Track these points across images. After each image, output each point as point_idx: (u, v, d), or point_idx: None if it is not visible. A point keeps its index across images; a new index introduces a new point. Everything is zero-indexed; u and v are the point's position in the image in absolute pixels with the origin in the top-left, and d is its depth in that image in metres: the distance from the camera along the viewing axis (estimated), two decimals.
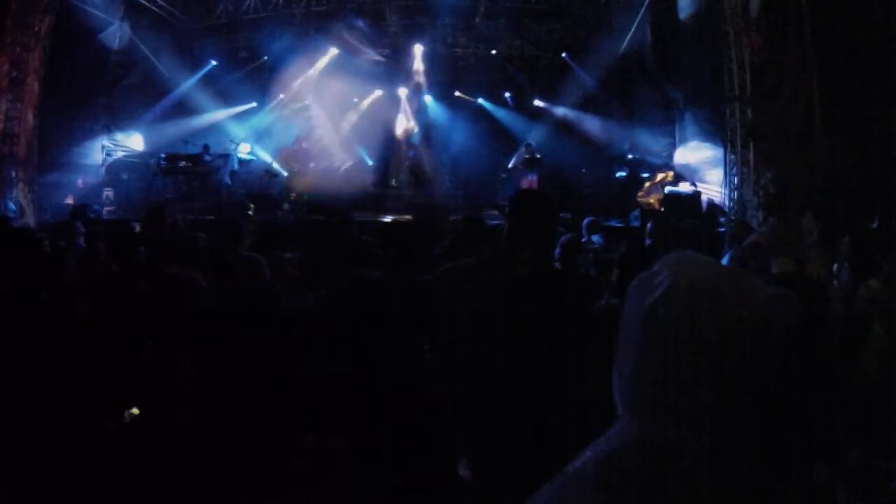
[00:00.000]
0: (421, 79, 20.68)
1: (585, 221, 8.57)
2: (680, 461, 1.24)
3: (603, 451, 1.34)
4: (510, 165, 18.58)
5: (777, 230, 5.07)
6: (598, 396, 3.13)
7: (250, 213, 13.42)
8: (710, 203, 14.01)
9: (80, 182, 16.35)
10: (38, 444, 2.77)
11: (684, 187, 14.51)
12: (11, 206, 12.92)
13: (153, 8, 17.89)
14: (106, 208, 16.42)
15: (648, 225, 5.18)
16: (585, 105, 18.69)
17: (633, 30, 17.07)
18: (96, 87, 17.51)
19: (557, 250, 6.15)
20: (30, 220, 13.10)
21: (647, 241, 5.33)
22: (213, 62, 19.43)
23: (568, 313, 3.26)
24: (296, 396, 2.39)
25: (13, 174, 13.16)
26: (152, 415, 2.63)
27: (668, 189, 14.52)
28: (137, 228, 8.88)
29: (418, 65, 20.49)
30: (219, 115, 19.75)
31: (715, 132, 14.46)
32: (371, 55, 20.61)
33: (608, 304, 4.23)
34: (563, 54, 19.41)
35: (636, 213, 12.47)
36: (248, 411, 2.14)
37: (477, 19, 18.91)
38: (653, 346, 1.31)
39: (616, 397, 1.40)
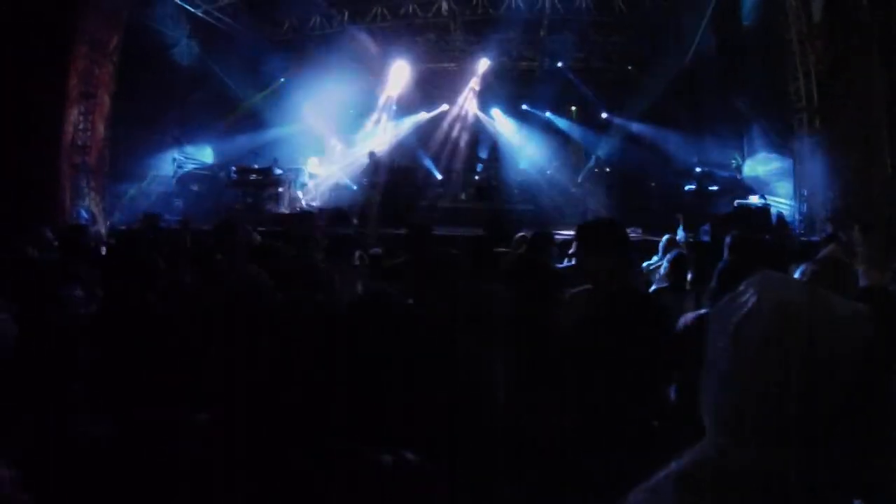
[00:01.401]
0: (488, 92, 21.03)
1: (663, 241, 8.62)
2: (754, 479, 1.28)
3: (684, 465, 1.39)
4: (579, 179, 18.64)
5: (864, 242, 5.04)
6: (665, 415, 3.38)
7: (319, 223, 13.80)
8: (780, 216, 13.91)
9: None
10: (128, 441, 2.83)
11: (753, 200, 14.47)
12: (84, 213, 13.59)
13: (220, 26, 18.68)
14: (176, 218, 17.07)
15: (727, 240, 5.14)
16: (653, 117, 18.64)
17: (697, 40, 17.11)
18: (168, 101, 18.29)
19: (665, 265, 6.38)
20: (101, 227, 13.76)
21: (725, 256, 5.12)
22: (282, 79, 20.03)
23: (638, 334, 3.41)
24: (367, 412, 2.30)
25: (85, 183, 13.86)
26: (220, 419, 2.70)
27: (737, 202, 14.48)
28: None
29: (485, 78, 20.81)
30: (288, 129, 20.28)
31: (783, 143, 14.39)
32: (437, 69, 21.15)
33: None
34: (629, 66, 19.60)
35: (706, 227, 12.43)
36: (322, 425, 2.08)
37: (542, 33, 19.08)
38: (737, 364, 1.33)
39: (702, 413, 1.42)
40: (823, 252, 5.66)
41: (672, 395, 3.53)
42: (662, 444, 3.11)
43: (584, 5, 17.76)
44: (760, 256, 4.85)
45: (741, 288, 1.40)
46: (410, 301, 4.29)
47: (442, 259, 6.19)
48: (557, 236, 10.02)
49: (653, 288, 6.61)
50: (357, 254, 7.71)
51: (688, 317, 4.17)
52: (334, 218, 15.56)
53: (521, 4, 17.84)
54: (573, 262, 6.58)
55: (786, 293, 1.36)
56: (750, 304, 1.34)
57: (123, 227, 13.93)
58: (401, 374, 3.07)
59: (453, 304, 4.05)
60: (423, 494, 2.19)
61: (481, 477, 2.97)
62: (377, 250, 8.89)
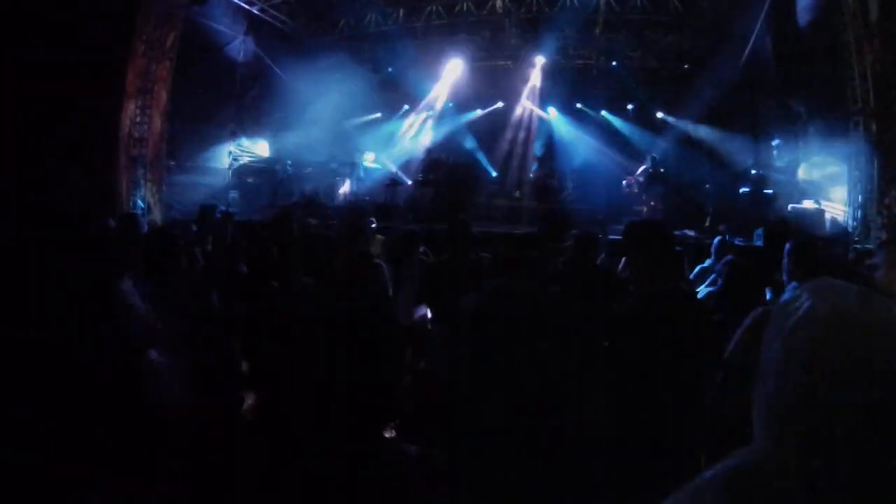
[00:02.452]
0: (543, 90, 21.22)
1: (715, 242, 8.59)
2: (799, 485, 1.28)
3: (731, 467, 1.40)
4: (634, 179, 18.40)
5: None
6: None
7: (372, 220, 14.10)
8: (834, 221, 13.78)
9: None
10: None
11: (808, 205, 14.36)
12: (140, 203, 14.19)
13: (276, 23, 19.31)
14: (231, 209, 17.60)
15: (787, 246, 5.04)
16: (708, 118, 18.60)
17: (753, 40, 16.93)
18: (224, 96, 18.99)
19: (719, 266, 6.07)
20: (157, 217, 14.39)
21: (785, 264, 5.02)
22: (338, 75, 20.42)
23: (680, 336, 3.51)
24: (397, 405, 2.40)
25: (142, 174, 14.41)
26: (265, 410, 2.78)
27: (791, 207, 14.38)
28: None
29: (539, 76, 20.99)
30: (344, 124, 20.78)
31: (839, 147, 14.13)
32: (492, 67, 21.40)
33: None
34: (685, 66, 19.56)
35: (759, 231, 11.96)
36: (352, 417, 2.16)
37: (597, 31, 19.17)
38: (788, 368, 1.32)
39: (753, 418, 1.41)
40: (874, 261, 5.57)
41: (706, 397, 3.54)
42: (693, 445, 3.31)
43: (639, 3, 17.85)
44: (818, 263, 4.90)
45: (797, 293, 1.41)
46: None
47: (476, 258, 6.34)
48: (612, 237, 10.24)
49: (703, 291, 6.73)
50: (421, 249, 7.69)
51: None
52: (388, 213, 15.99)
53: (576, 2, 17.97)
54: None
55: (841, 298, 1.36)
56: (804, 309, 1.35)
57: (179, 217, 14.53)
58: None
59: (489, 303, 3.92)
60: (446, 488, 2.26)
61: (503, 473, 3.04)
62: None
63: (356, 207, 15.62)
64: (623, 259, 7.45)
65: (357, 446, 2.14)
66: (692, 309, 3.95)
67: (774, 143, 17.32)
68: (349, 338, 2.23)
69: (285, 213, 10.00)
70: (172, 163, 15.95)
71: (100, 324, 3.04)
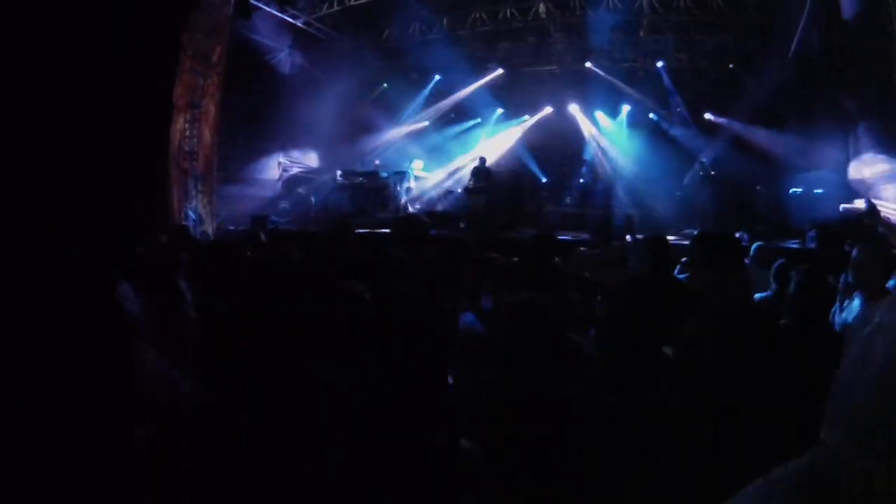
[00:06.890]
0: (591, 94, 21.31)
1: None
2: (860, 487, 1.29)
3: (797, 469, 1.42)
4: (685, 182, 18.71)
5: None
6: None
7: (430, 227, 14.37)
8: (886, 222, 13.59)
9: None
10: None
11: (859, 204, 14.21)
12: (192, 214, 14.51)
13: (320, 35, 19.79)
14: (283, 219, 17.97)
15: (854, 252, 4.81)
16: (757, 118, 18.55)
17: (798, 37, 16.71)
18: (273, 108, 19.41)
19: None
20: (209, 228, 14.79)
21: (849, 276, 4.77)
22: (385, 84, 20.97)
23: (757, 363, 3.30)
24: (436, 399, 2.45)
25: (193, 186, 14.75)
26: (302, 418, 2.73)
27: (843, 206, 14.34)
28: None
29: (587, 80, 21.10)
30: (392, 133, 21.37)
31: (891, 144, 14.05)
32: (539, 72, 21.71)
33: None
34: (731, 65, 19.57)
35: (812, 233, 11.98)
36: (387, 410, 2.26)
37: (642, 33, 19.36)
38: (880, 382, 1.31)
39: (826, 419, 1.41)
40: None
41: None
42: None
43: (682, 4, 17.90)
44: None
45: (876, 311, 1.43)
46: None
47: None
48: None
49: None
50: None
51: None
52: (441, 221, 16.13)
53: (620, 5, 18.13)
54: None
55: None
56: (878, 321, 1.37)
57: (231, 227, 15.14)
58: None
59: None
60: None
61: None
62: None
63: (412, 218, 15.78)
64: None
65: (390, 438, 2.26)
66: (772, 330, 3.82)
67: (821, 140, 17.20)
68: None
69: (345, 224, 10.33)
70: (223, 174, 16.44)
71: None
